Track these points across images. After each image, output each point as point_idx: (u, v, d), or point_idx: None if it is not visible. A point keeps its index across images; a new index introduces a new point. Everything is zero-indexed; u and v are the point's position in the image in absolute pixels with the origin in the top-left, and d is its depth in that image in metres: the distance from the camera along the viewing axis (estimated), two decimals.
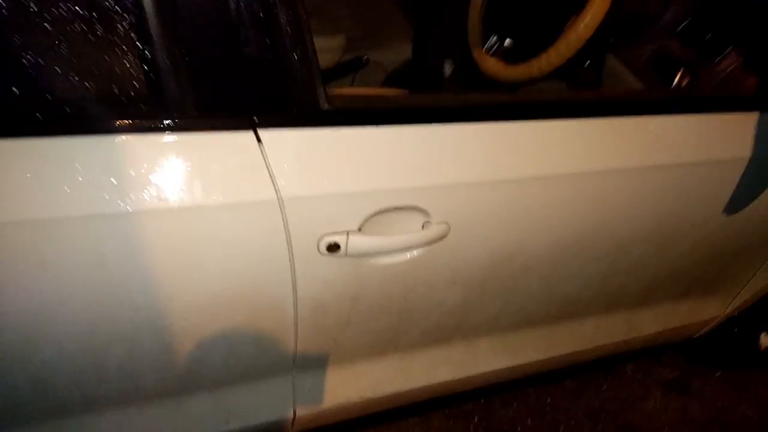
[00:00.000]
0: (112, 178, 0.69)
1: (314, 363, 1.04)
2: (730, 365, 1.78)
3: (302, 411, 1.08)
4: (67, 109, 0.68)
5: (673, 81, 1.18)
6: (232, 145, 0.74)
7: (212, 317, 0.85)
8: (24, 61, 0.65)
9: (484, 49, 1.37)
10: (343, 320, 0.95)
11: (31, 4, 0.63)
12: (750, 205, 1.12)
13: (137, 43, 0.68)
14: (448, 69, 1.61)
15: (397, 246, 0.87)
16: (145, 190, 0.71)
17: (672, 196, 1.03)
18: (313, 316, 0.92)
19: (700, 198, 1.07)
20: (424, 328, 1.06)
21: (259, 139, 0.75)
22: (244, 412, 1.04)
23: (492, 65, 1.32)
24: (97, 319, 0.78)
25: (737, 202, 1.09)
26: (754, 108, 1.03)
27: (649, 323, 1.36)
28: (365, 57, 1.59)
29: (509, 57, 1.32)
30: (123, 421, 0.95)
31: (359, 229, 0.83)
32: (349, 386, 1.11)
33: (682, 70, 1.17)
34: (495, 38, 1.37)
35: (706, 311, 1.43)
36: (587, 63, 1.36)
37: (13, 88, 0.66)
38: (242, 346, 0.92)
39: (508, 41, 1.35)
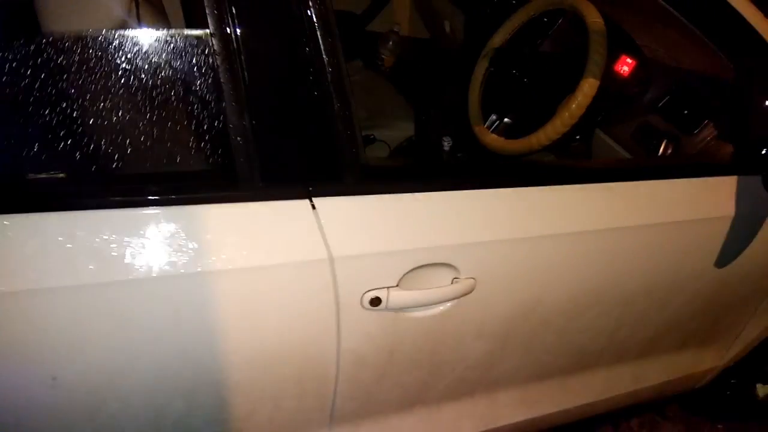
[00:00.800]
0: (189, 243, 0.79)
1: (349, 417, 1.10)
2: (731, 417, 1.85)
3: None
4: (153, 184, 0.78)
5: (659, 150, 1.32)
6: (290, 212, 0.85)
7: (263, 372, 0.92)
8: (102, 136, 0.77)
9: (485, 126, 1.52)
10: (378, 373, 1.03)
11: (107, 80, 0.75)
12: (737, 259, 1.24)
13: (214, 122, 0.80)
14: (447, 144, 1.77)
15: (430, 299, 0.96)
16: (216, 254, 0.80)
17: (668, 252, 1.15)
18: (353, 369, 0.99)
19: (693, 253, 1.18)
20: (450, 381, 1.14)
21: (313, 206, 0.86)
22: None
23: (493, 140, 1.46)
24: (164, 374, 0.85)
25: (726, 256, 1.21)
26: (732, 173, 1.17)
27: (653, 374, 1.44)
28: (372, 135, 1.74)
29: (507, 133, 1.47)
30: None
31: (397, 285, 0.92)
32: None
33: (665, 141, 1.32)
34: (494, 117, 1.52)
35: (705, 361, 1.52)
36: (578, 137, 1.52)
37: (97, 163, 0.77)
38: (287, 400, 0.99)
39: (506, 119, 1.51)
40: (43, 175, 0.75)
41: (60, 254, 0.73)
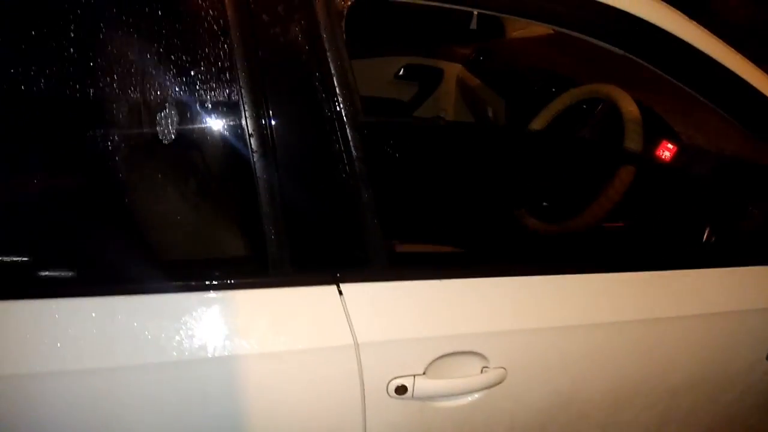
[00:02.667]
0: (220, 328, 0.82)
1: None
2: None
3: None
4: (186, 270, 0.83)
5: (702, 237, 1.29)
6: (318, 298, 0.87)
7: None
8: (143, 224, 0.82)
9: (524, 211, 1.53)
10: None
11: (148, 169, 0.81)
12: None
13: (247, 211, 0.85)
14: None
15: (458, 389, 0.95)
16: (245, 338, 0.83)
17: (713, 344, 1.09)
18: None
19: (741, 345, 1.12)
20: None
21: (340, 292, 0.88)
22: None
23: (534, 223, 1.47)
24: None
25: None
26: None
27: None
28: None
29: (545, 216, 1.48)
30: None
31: (424, 373, 0.92)
32: None
33: (708, 227, 1.28)
34: (535, 201, 1.54)
35: None
36: None
37: (137, 250, 0.82)
38: None
39: (544, 203, 1.51)
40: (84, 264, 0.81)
41: (101, 337, 0.77)
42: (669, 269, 1.07)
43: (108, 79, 0.78)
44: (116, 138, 0.78)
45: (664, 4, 1.01)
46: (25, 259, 0.77)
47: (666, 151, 1.41)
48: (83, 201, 0.83)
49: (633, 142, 1.24)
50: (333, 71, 0.84)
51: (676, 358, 1.07)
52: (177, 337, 0.80)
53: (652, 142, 1.36)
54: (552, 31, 1.63)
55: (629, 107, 1.29)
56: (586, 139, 1.46)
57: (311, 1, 0.84)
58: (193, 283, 0.82)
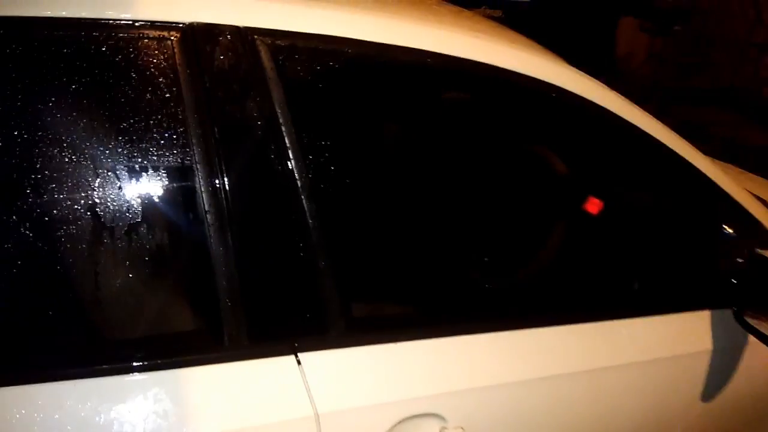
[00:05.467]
0: (175, 408, 0.79)
1: None
2: None
3: None
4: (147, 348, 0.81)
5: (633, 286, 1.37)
6: (276, 370, 0.86)
7: None
8: (88, 303, 0.80)
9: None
10: None
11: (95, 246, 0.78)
12: (722, 392, 1.24)
13: (200, 283, 0.84)
14: None
15: None
16: (202, 417, 0.80)
17: (652, 389, 1.16)
18: None
19: (677, 389, 1.19)
20: None
21: (299, 362, 0.87)
22: None
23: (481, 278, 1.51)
24: None
25: (710, 389, 1.22)
26: (705, 307, 1.21)
27: None
28: None
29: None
30: None
31: None
32: None
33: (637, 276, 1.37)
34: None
35: None
36: None
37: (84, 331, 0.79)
38: None
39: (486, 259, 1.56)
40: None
41: (48, 425, 0.73)
42: (608, 319, 1.13)
43: (56, 151, 0.76)
44: (64, 208, 0.76)
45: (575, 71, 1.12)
46: None
47: (593, 206, 1.50)
48: (20, 276, 0.79)
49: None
50: (288, 144, 0.86)
51: (621, 405, 1.12)
52: (130, 422, 0.77)
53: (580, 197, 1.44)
54: None
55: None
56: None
57: (264, 79, 0.86)
58: (144, 363, 0.80)
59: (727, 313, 1.19)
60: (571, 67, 1.12)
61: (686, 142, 1.21)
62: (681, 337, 1.18)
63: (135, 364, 0.79)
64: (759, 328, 1.13)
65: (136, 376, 0.79)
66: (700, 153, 1.23)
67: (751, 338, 1.23)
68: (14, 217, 0.76)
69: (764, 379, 1.32)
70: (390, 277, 1.03)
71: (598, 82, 1.14)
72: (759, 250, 1.15)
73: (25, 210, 0.75)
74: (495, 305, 1.10)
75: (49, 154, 0.77)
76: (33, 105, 0.77)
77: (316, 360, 0.88)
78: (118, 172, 0.80)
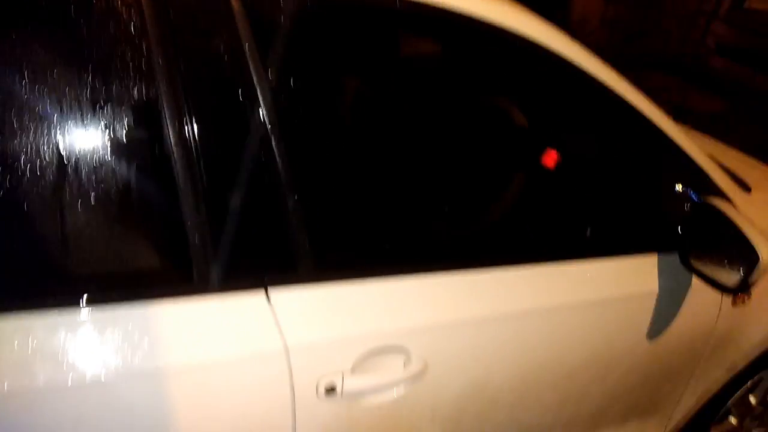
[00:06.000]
0: (146, 341, 0.80)
1: None
2: None
3: None
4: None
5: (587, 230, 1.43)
6: (246, 305, 0.87)
7: None
8: (65, 236, 0.79)
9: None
10: None
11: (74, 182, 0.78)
12: (666, 332, 1.33)
13: (173, 219, 0.83)
14: None
15: (383, 384, 0.99)
16: (173, 350, 0.81)
17: (602, 328, 1.22)
18: None
19: (624, 328, 1.26)
20: None
21: (268, 298, 0.89)
22: None
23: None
24: None
25: (655, 329, 1.30)
26: (653, 250, 1.28)
27: None
28: None
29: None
30: None
31: (351, 371, 0.95)
32: None
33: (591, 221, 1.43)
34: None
35: None
36: None
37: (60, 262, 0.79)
38: None
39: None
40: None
41: (17, 357, 0.73)
42: (562, 261, 1.18)
43: (20, 85, 0.74)
44: (34, 144, 0.74)
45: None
46: None
47: (551, 159, 1.54)
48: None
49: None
50: (255, 82, 0.86)
51: (571, 342, 1.19)
52: (101, 355, 0.77)
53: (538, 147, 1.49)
54: None
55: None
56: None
57: (231, 13, 0.85)
58: (115, 295, 0.80)
59: (674, 258, 1.26)
60: (530, 13, 1.13)
61: (642, 95, 1.26)
62: (629, 278, 1.24)
63: (108, 297, 0.79)
64: (702, 270, 1.21)
65: (109, 310, 0.79)
66: (654, 106, 1.28)
67: (695, 281, 1.31)
68: None
69: (706, 321, 1.41)
70: (357, 218, 1.05)
71: (559, 30, 1.16)
72: (704, 197, 1.22)
73: None
74: (455, 247, 1.14)
75: (10, 89, 0.75)
76: None
77: (285, 296, 0.90)
78: (84, 108, 0.78)
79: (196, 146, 0.83)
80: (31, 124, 0.75)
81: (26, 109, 0.75)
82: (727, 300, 1.41)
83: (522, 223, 1.40)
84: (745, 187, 1.55)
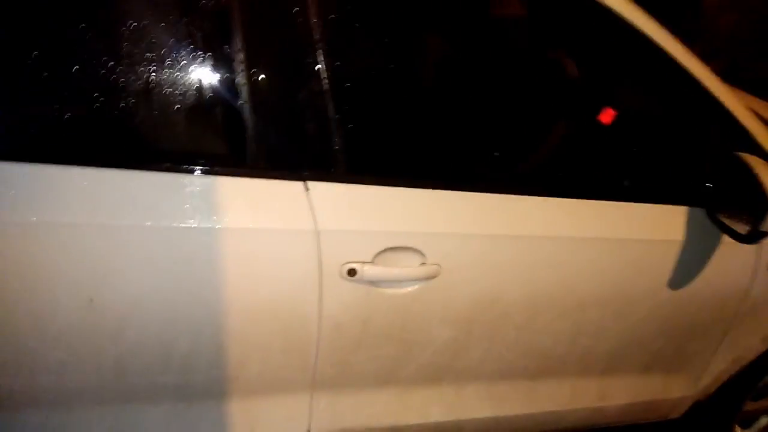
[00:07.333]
0: (205, 205, 1.01)
1: (329, 384, 1.27)
2: None
3: (316, 429, 1.30)
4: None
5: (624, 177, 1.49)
6: (288, 191, 1.07)
7: (255, 323, 1.12)
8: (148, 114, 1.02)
9: None
10: (354, 341, 1.20)
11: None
12: (690, 284, 1.38)
13: (241, 119, 1.05)
14: None
15: (398, 276, 1.15)
16: (226, 214, 1.02)
17: (619, 267, 1.31)
18: (332, 334, 1.17)
19: (644, 271, 1.34)
20: (419, 363, 1.30)
21: (306, 188, 1.08)
22: (267, 423, 1.26)
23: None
24: (175, 312, 1.06)
25: (677, 279, 1.35)
26: (683, 203, 1.34)
27: (619, 393, 1.55)
28: None
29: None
30: (172, 415, 1.18)
31: (372, 261, 1.12)
32: (355, 413, 1.32)
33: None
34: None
35: (673, 390, 1.62)
36: None
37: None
38: (274, 354, 1.17)
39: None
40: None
41: (109, 199, 0.97)
42: (590, 198, 1.27)
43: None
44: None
45: None
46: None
47: (608, 115, 1.61)
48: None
49: None
50: (308, 7, 1.04)
51: (584, 274, 1.28)
52: (172, 207, 1.00)
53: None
54: None
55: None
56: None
57: None
58: (186, 165, 1.02)
59: (703, 212, 1.31)
60: None
61: (692, 55, 1.30)
62: (654, 225, 1.31)
63: (182, 167, 1.02)
64: (724, 221, 1.25)
65: (192, 178, 1.02)
66: (707, 69, 1.32)
67: (725, 239, 1.34)
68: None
69: (737, 282, 1.44)
70: (391, 133, 1.20)
71: None
72: (738, 154, 1.26)
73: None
74: (485, 170, 1.27)
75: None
76: None
77: (320, 189, 1.09)
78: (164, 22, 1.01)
79: (258, 62, 1.03)
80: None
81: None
82: (763, 265, 1.43)
83: (556, 161, 1.48)
84: None
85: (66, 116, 0.98)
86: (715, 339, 1.55)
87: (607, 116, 1.60)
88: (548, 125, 1.45)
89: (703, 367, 1.61)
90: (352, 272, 1.11)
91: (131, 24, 0.99)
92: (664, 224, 1.33)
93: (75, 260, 0.98)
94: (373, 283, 1.14)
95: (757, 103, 1.97)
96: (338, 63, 1.07)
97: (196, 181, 1.02)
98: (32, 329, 1.00)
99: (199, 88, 1.03)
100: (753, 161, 1.19)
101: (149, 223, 0.99)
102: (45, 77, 0.97)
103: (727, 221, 1.26)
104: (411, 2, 1.24)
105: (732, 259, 1.41)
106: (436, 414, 1.39)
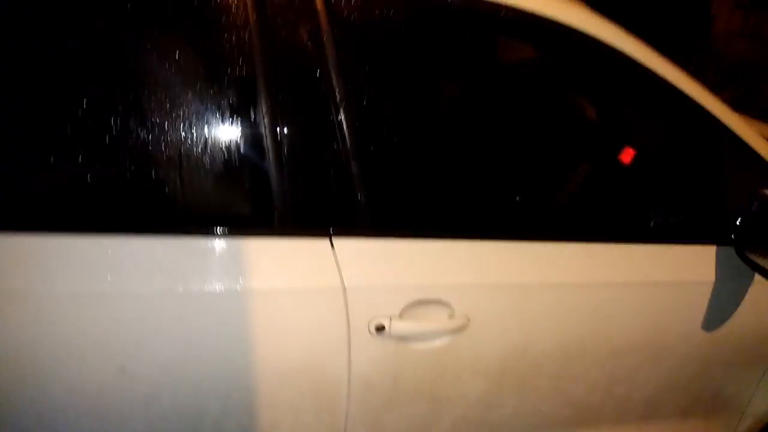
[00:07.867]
0: (232, 268, 1.02)
1: None
2: None
3: None
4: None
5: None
6: (314, 248, 1.07)
7: (285, 384, 1.11)
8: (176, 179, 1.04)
9: None
10: (385, 399, 1.18)
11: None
12: (725, 325, 1.35)
13: (265, 179, 1.06)
14: None
15: (426, 330, 1.14)
16: (252, 277, 1.03)
17: (653, 311, 1.28)
18: (362, 391, 1.16)
19: (678, 315, 1.31)
20: (452, 419, 1.27)
21: (332, 245, 1.08)
22: None
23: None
24: (206, 375, 1.06)
25: (712, 320, 1.33)
26: (712, 242, 1.32)
27: None
28: None
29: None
30: None
31: (400, 315, 1.11)
32: None
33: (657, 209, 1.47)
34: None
35: None
36: None
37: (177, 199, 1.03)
38: (305, 414, 1.15)
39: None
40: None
41: (137, 267, 0.98)
42: (618, 242, 1.26)
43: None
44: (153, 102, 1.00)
45: None
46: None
47: (628, 155, 1.61)
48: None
49: None
50: (331, 67, 1.06)
51: (617, 321, 1.26)
52: (200, 271, 1.00)
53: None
54: None
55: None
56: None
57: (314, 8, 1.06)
58: (213, 229, 1.03)
59: (733, 250, 1.29)
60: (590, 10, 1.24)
61: (705, 90, 1.31)
62: (684, 266, 1.29)
63: (209, 231, 1.03)
64: (757, 261, 1.23)
65: (219, 241, 1.03)
66: (720, 101, 1.32)
67: (757, 278, 1.32)
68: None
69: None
70: (415, 186, 1.21)
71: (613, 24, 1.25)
72: (764, 190, 1.24)
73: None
74: (511, 219, 1.26)
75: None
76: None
77: (346, 245, 1.09)
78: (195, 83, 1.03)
79: (282, 122, 1.05)
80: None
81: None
82: None
83: (581, 204, 1.48)
84: None
85: (91, 183, 1.00)
86: (753, 380, 1.51)
87: (627, 156, 1.61)
88: (571, 169, 1.45)
89: (741, 410, 1.56)
90: (380, 328, 1.10)
91: (156, 88, 1.02)
92: (694, 265, 1.31)
93: (106, 329, 0.98)
94: (402, 338, 1.13)
95: None
96: (360, 119, 1.09)
97: (222, 244, 1.03)
98: (64, 399, 1.00)
99: (222, 151, 1.05)
100: None
101: (180, 289, 0.99)
102: (74, 148, 0.99)
103: (757, 259, 1.24)
104: (432, 56, 1.26)
105: (765, 298, 1.38)
106: None
